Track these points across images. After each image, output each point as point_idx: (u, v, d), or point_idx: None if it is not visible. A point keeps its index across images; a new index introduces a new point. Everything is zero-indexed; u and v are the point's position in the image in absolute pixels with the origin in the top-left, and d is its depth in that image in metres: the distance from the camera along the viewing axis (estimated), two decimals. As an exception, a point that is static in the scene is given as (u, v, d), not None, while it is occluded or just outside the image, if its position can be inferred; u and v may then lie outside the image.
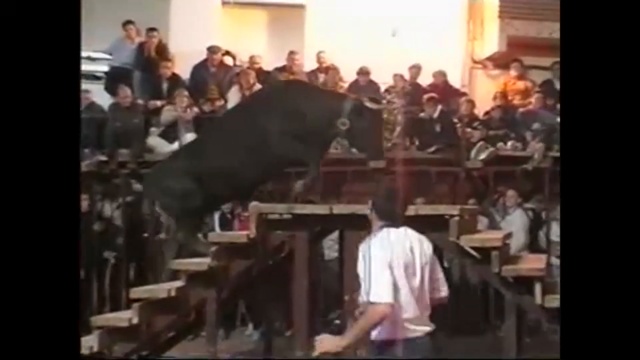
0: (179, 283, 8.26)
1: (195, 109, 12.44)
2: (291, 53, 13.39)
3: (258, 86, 12.50)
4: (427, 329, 5.24)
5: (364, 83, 13.10)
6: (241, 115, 8.83)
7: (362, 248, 5.23)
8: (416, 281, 5.21)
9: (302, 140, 8.26)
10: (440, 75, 13.35)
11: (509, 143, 12.45)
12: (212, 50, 13.16)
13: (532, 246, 11.32)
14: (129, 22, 13.33)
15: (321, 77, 13.16)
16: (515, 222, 11.30)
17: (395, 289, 5.06)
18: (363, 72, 13.11)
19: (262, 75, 13.05)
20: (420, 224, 7.78)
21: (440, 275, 5.53)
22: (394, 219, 5.34)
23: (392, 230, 5.28)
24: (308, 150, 8.36)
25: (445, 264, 10.42)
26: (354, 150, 9.81)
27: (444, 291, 5.51)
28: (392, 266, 5.10)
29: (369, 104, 8.56)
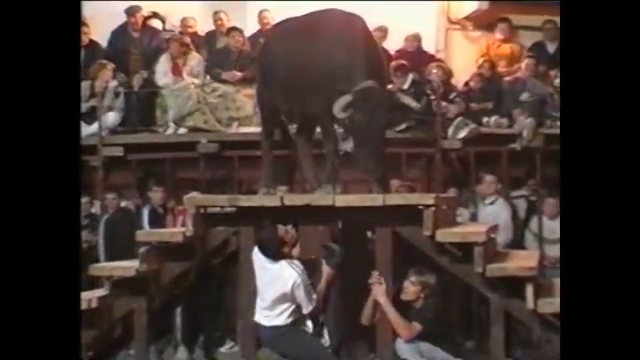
0: (100, 292, 8.27)
1: (115, 83, 12.34)
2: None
3: (193, 55, 12.45)
4: None
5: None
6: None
7: None
8: None
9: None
10: (414, 39, 13.37)
11: (493, 118, 12.49)
12: (131, 11, 13.13)
13: (518, 242, 11.40)
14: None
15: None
16: (497, 214, 11.27)
17: None
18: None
19: (198, 41, 13.05)
20: (389, 216, 7.96)
21: None
22: None
23: None
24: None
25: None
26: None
27: None
28: None
29: (371, 83, 8.35)
